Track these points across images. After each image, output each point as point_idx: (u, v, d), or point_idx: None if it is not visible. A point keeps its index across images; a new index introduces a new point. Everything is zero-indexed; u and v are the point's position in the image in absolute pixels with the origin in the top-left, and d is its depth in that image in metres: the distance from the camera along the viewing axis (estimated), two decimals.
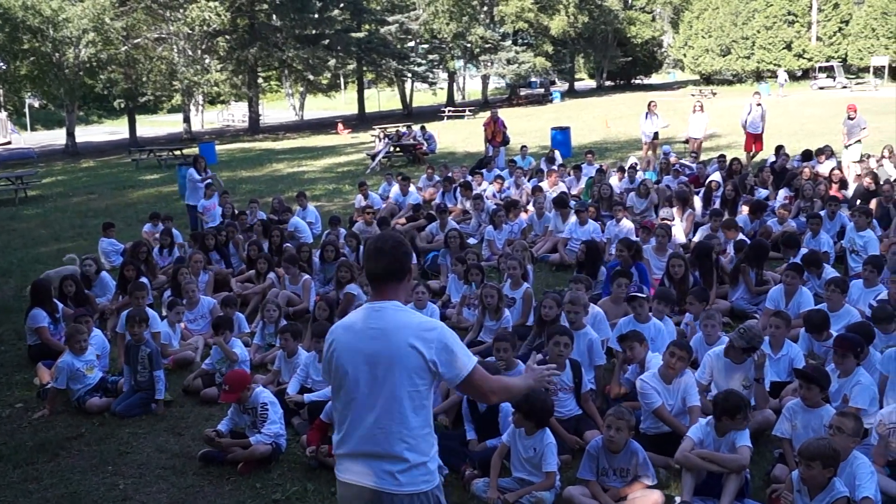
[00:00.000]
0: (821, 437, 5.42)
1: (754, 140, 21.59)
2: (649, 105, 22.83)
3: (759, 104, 21.47)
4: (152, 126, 63.63)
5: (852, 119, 19.00)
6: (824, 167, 17.48)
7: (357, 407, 3.84)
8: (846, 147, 19.04)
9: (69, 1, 39.89)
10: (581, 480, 6.20)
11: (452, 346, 3.82)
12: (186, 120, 52.28)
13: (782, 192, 15.75)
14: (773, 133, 24.86)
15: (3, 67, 44.38)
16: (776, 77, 56.01)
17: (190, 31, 44.87)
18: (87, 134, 57.91)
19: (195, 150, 35.54)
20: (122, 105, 49.22)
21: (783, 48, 62.17)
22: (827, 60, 59.48)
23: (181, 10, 44.96)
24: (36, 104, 65.94)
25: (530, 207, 15.49)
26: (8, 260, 16.58)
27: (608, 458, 6.16)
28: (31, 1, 38.10)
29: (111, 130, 62.83)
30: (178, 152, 36.40)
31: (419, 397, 3.81)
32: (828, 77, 55.96)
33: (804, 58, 61.90)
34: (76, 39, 39.89)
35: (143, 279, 11.36)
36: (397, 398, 3.77)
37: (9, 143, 53.58)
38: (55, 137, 53.83)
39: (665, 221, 13.45)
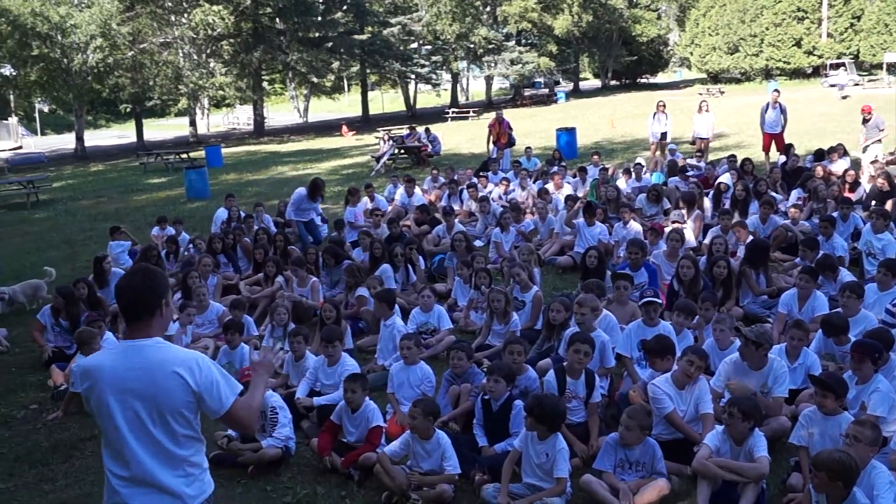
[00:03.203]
0: (837, 450, 5.19)
1: (772, 140, 20.64)
2: (658, 105, 22.67)
3: (776, 103, 20.67)
4: (159, 130, 63.87)
5: (867, 121, 18.64)
6: (837, 166, 17.02)
7: (128, 445, 3.69)
8: (863, 149, 18.59)
9: (77, 7, 40.09)
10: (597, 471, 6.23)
11: (217, 377, 3.77)
12: (192, 123, 52.49)
13: (795, 193, 15.28)
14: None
15: (14, 73, 44.74)
16: (825, 75, 53.63)
17: (194, 36, 45.08)
18: (96, 138, 58.32)
19: (202, 154, 35.77)
20: (129, 109, 49.37)
21: (793, 45, 61.13)
22: (838, 57, 58.45)
23: (186, 15, 45.15)
24: (45, 109, 66.43)
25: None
26: (21, 263, 16.66)
27: (626, 451, 6.21)
28: (40, 8, 38.32)
29: (119, 134, 63.06)
30: (184, 156, 36.58)
31: (187, 433, 3.78)
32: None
33: (814, 55, 61.00)
34: (84, 45, 40.24)
35: None
36: (168, 438, 3.71)
37: (20, 147, 53.91)
38: (65, 141, 54.07)
39: (676, 224, 13.26)
